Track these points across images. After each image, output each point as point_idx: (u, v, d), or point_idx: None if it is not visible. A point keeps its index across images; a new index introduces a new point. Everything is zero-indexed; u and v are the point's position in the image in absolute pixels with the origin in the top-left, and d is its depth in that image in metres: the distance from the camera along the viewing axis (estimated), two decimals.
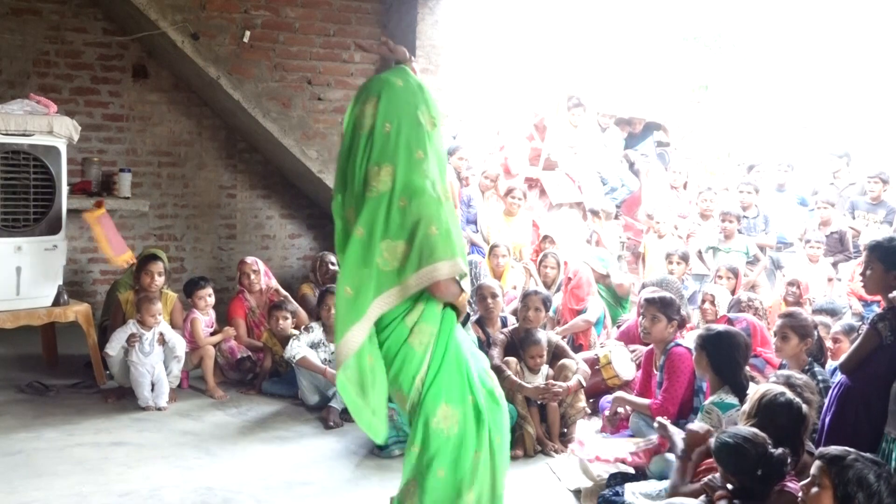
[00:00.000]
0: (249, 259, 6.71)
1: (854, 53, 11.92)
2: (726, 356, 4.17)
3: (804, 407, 3.48)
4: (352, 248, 3.22)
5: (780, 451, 3.21)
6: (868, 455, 2.89)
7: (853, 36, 11.82)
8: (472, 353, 3.51)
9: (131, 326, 5.64)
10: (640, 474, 4.24)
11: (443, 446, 3.26)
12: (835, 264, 7.43)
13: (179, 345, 5.75)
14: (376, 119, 3.28)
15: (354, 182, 3.30)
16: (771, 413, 3.41)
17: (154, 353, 5.61)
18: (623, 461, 4.31)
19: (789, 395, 3.50)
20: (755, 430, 3.27)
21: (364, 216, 3.22)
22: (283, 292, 6.53)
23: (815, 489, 2.83)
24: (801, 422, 3.44)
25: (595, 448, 4.44)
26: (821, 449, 2.94)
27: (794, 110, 12.42)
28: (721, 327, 4.45)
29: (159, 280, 5.96)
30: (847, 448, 2.91)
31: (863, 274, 3.98)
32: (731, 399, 4.01)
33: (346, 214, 3.34)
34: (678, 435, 3.97)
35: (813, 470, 2.88)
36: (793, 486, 3.17)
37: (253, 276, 6.53)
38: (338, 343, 3.23)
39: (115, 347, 5.59)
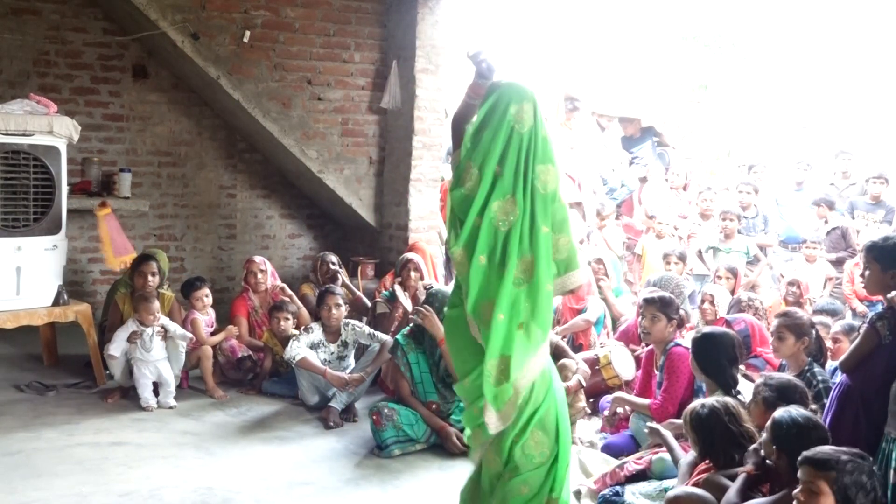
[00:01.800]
0: (258, 258, 6.70)
1: (854, 53, 11.92)
2: (710, 358, 4.22)
3: (730, 402, 3.60)
4: (544, 244, 3.25)
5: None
6: (851, 450, 2.91)
7: (853, 36, 11.82)
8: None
9: (131, 325, 5.64)
10: (641, 474, 4.24)
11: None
12: (838, 261, 7.42)
13: (182, 334, 5.73)
14: (535, 121, 3.30)
15: (514, 176, 3.25)
16: (704, 427, 3.52)
17: (155, 348, 5.61)
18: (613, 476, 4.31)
19: (707, 402, 3.61)
20: (818, 418, 3.31)
21: (542, 213, 3.26)
22: (289, 291, 6.53)
23: (813, 496, 2.81)
24: (736, 416, 3.52)
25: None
26: (805, 453, 2.91)
27: (793, 110, 12.43)
28: (706, 329, 4.46)
29: (153, 280, 5.96)
30: (833, 448, 2.91)
31: (862, 275, 4.00)
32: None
33: (504, 206, 3.25)
34: (672, 438, 4.00)
35: (803, 475, 2.85)
36: None
37: (260, 276, 6.53)
38: (542, 344, 3.29)
39: (118, 348, 5.58)
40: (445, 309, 3.52)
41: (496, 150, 3.25)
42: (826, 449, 2.91)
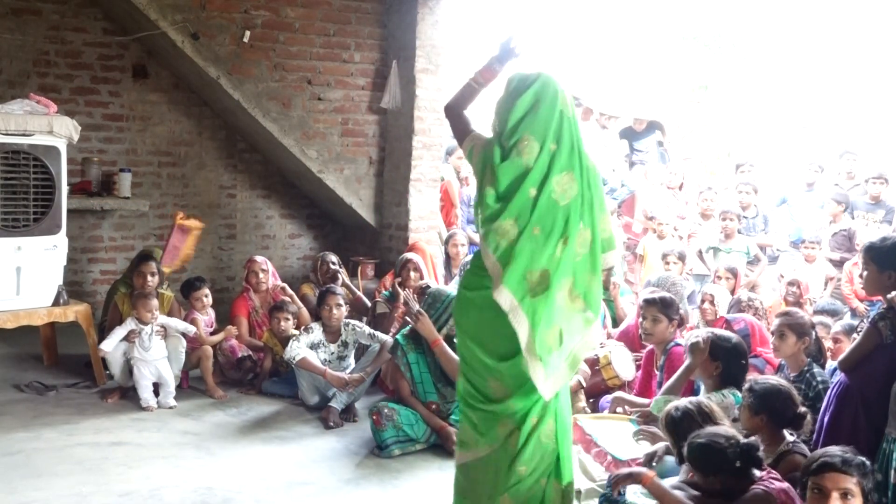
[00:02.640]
0: (259, 258, 6.69)
1: (854, 53, 11.92)
2: (741, 366, 4.27)
3: (703, 402, 3.66)
4: (598, 220, 3.38)
5: (752, 438, 3.24)
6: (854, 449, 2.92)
7: (853, 35, 11.83)
8: None
9: (130, 323, 5.64)
10: None
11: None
12: (841, 261, 7.41)
13: (185, 327, 5.76)
14: (572, 109, 3.42)
15: (569, 154, 3.34)
16: (679, 429, 3.54)
17: (154, 347, 5.60)
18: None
19: (680, 404, 3.64)
20: (724, 426, 3.34)
21: (595, 189, 3.40)
22: (290, 291, 6.53)
23: (848, 499, 2.78)
24: (709, 415, 3.54)
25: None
26: (825, 458, 2.86)
27: (793, 110, 12.43)
28: (733, 337, 4.43)
29: (152, 280, 5.95)
30: (842, 449, 2.90)
31: (861, 276, 4.00)
32: (738, 394, 4.06)
33: (562, 180, 3.31)
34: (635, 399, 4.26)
35: (833, 482, 2.79)
36: (774, 485, 3.16)
37: (261, 276, 6.51)
38: (597, 317, 3.41)
39: (110, 344, 5.57)
40: (465, 292, 3.45)
41: (553, 127, 3.31)
42: (836, 450, 2.88)
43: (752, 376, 4.21)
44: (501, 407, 3.38)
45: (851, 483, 2.78)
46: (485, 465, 3.45)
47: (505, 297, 3.22)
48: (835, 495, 2.78)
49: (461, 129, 3.56)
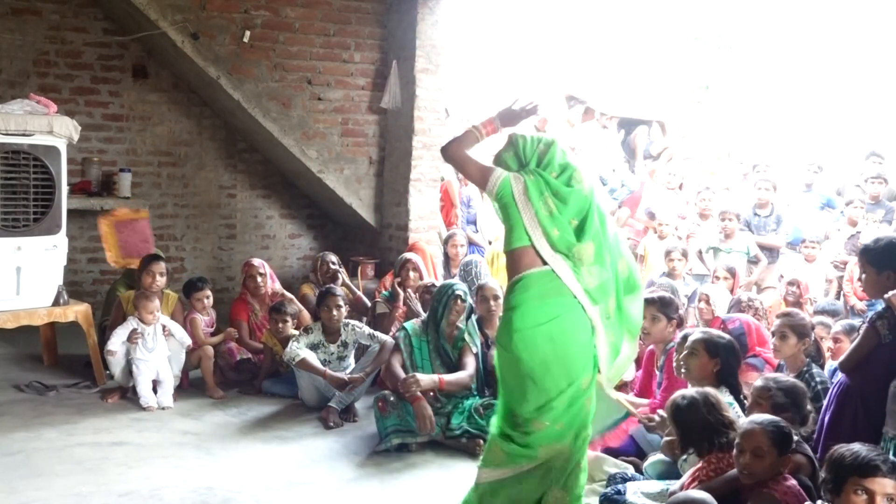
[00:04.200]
0: (256, 261, 6.61)
1: (855, 53, 11.92)
2: (737, 362, 4.29)
3: (709, 392, 3.74)
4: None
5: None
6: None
7: (854, 36, 11.83)
8: None
9: (132, 322, 5.64)
10: (641, 473, 4.24)
11: None
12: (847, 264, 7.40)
13: (182, 334, 5.77)
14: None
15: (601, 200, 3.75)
16: (684, 417, 3.65)
17: (158, 348, 5.62)
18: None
19: (688, 393, 3.75)
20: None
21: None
22: (290, 295, 6.50)
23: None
24: (715, 405, 3.65)
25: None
26: (874, 461, 2.82)
27: (794, 111, 12.42)
28: (725, 335, 4.43)
29: (161, 280, 5.96)
30: (869, 447, 2.90)
31: (860, 279, 4.00)
32: (730, 398, 4.05)
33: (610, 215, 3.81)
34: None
35: (886, 488, 2.79)
36: (783, 485, 3.17)
37: (259, 279, 6.45)
38: (637, 333, 3.79)
39: (116, 343, 5.59)
40: (533, 328, 3.45)
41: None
42: (875, 453, 2.86)
43: (767, 374, 4.21)
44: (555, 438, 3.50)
45: (894, 488, 2.80)
46: (521, 478, 3.51)
47: (595, 314, 3.49)
48: (879, 499, 2.79)
49: (477, 163, 3.67)
